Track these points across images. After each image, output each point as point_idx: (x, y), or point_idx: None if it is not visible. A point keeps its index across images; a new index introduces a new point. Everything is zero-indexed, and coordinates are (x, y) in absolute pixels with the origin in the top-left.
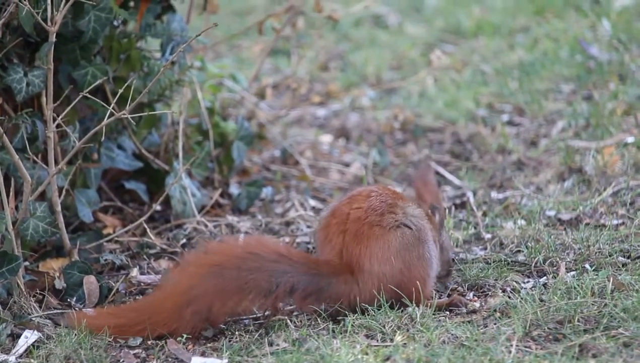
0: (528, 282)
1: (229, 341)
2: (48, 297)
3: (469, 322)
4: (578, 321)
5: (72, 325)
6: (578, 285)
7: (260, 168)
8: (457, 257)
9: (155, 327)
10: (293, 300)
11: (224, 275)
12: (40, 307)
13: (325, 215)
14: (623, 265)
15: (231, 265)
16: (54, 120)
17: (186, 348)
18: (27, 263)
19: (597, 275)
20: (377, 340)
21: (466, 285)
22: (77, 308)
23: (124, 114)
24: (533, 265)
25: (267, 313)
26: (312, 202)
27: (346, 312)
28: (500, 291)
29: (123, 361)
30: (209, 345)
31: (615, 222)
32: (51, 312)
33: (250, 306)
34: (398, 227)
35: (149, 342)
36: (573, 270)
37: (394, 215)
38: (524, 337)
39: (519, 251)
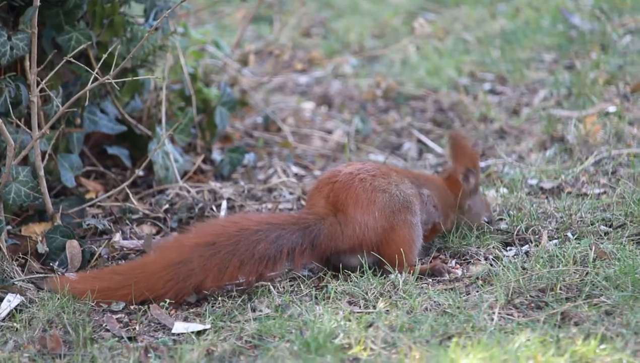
0: (510, 250)
1: (212, 307)
2: (30, 261)
3: (451, 289)
4: (560, 289)
5: (55, 289)
6: (560, 254)
7: (243, 134)
8: (493, 220)
9: (141, 292)
10: (292, 261)
11: (220, 252)
12: (22, 271)
13: (321, 177)
14: (605, 234)
15: (227, 242)
16: (38, 84)
17: (169, 313)
18: (9, 227)
19: (579, 243)
20: (360, 307)
21: (449, 252)
22: (60, 273)
23: (108, 79)
24: (515, 233)
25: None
26: (295, 169)
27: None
28: (483, 259)
29: (106, 325)
30: (191, 310)
31: (597, 191)
32: (34, 276)
33: (241, 276)
34: (386, 190)
35: (132, 307)
36: (555, 239)
37: (385, 180)
38: (506, 305)
39: (501, 219)
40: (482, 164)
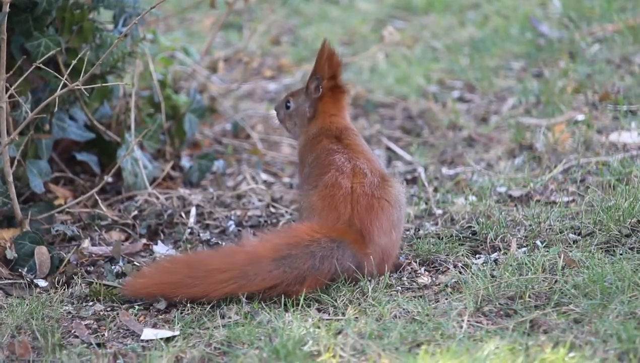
0: (479, 257)
1: (181, 313)
2: None
3: (420, 296)
4: (529, 297)
5: (129, 292)
6: (529, 262)
7: (212, 141)
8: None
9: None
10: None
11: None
12: None
13: (322, 186)
14: (574, 242)
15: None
16: (7, 90)
17: (138, 319)
18: None
19: (547, 251)
20: (329, 314)
21: (418, 260)
22: (28, 279)
23: (77, 85)
24: (484, 241)
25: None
26: (264, 176)
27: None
28: (452, 266)
29: (74, 331)
30: (160, 317)
31: (565, 199)
32: (2, 282)
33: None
34: (396, 201)
35: (101, 313)
36: (524, 247)
37: (391, 189)
38: (475, 312)
39: (470, 227)
40: (450, 172)
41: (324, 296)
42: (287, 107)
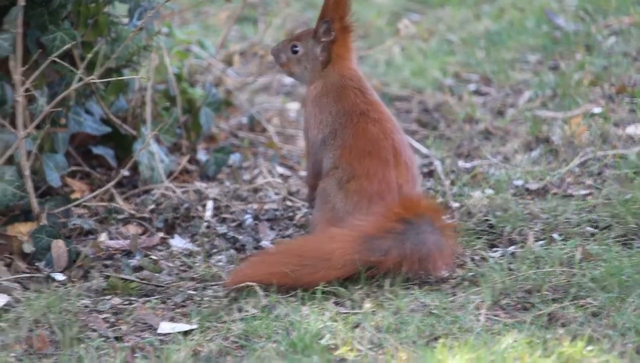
0: (496, 251)
1: (198, 307)
2: (16, 261)
3: (437, 290)
4: (546, 290)
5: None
6: (546, 255)
7: (228, 135)
8: None
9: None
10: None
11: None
12: (8, 270)
13: (360, 178)
14: (591, 235)
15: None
16: (23, 84)
17: (155, 313)
18: None
19: (565, 244)
20: (346, 308)
21: None
22: (45, 273)
23: (92, 79)
24: (501, 234)
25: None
26: (280, 169)
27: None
28: (469, 260)
29: (92, 325)
30: (177, 310)
31: (582, 192)
32: (20, 275)
33: None
34: None
35: (118, 307)
36: (541, 240)
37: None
38: (493, 306)
39: (487, 220)
40: (467, 165)
41: (341, 289)
42: (294, 52)
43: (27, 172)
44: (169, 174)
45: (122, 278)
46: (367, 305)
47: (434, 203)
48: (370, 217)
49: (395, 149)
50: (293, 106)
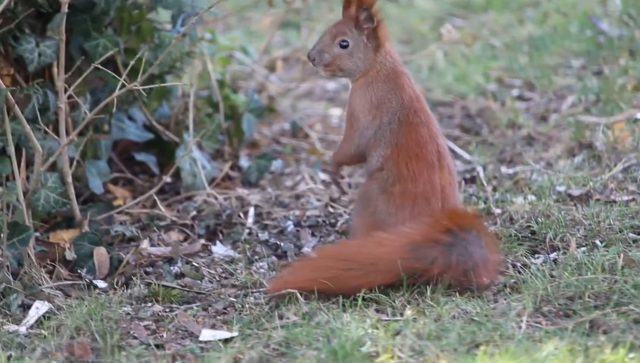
0: (538, 257)
1: (239, 314)
2: (58, 268)
3: (479, 297)
4: (588, 297)
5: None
6: (588, 261)
7: (270, 141)
8: None
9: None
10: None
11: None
12: (50, 277)
13: (406, 180)
14: (633, 242)
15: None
16: (65, 91)
17: (196, 320)
18: (37, 234)
19: (607, 251)
20: (387, 315)
21: None
22: (87, 280)
23: (135, 86)
24: (543, 240)
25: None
26: (322, 176)
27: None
28: (511, 266)
29: (133, 333)
30: (219, 317)
31: (625, 198)
32: (62, 282)
33: None
34: None
35: (159, 314)
36: (583, 246)
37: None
38: (534, 313)
39: (529, 226)
40: (509, 171)
41: (382, 296)
42: (344, 46)
43: (69, 179)
44: (211, 181)
45: (164, 286)
46: (408, 312)
47: (479, 216)
48: (417, 224)
49: (439, 152)
50: (335, 112)
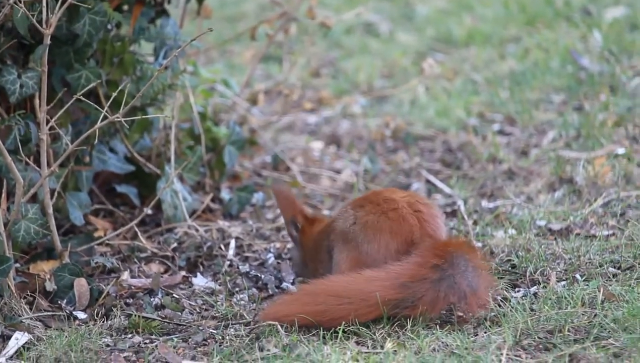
0: (519, 291)
1: (220, 345)
2: (38, 299)
3: (459, 330)
4: (568, 331)
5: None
6: (568, 295)
7: (252, 173)
8: None
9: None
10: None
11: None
12: (30, 308)
13: (381, 219)
14: (613, 276)
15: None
16: (47, 122)
17: (176, 351)
18: (17, 265)
19: (587, 285)
20: (368, 347)
21: None
22: (67, 311)
23: (117, 118)
24: (523, 274)
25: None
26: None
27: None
28: (491, 300)
29: None
30: (199, 349)
31: (605, 232)
32: (42, 314)
33: None
34: None
35: (139, 345)
36: (563, 280)
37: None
38: (515, 346)
39: (509, 260)
40: (490, 205)
41: (362, 329)
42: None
43: (50, 210)
44: (192, 213)
45: (144, 317)
46: (389, 345)
47: (468, 243)
48: (404, 263)
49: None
50: (317, 145)
